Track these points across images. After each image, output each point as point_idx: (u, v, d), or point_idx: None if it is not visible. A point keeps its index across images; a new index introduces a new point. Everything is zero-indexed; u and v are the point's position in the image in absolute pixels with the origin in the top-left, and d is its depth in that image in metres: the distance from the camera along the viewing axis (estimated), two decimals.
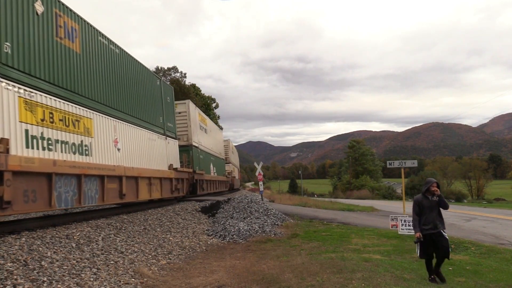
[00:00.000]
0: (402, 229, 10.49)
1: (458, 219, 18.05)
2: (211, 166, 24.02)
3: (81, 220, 9.30)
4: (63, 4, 8.55)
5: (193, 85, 52.47)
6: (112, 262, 6.73)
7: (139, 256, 7.52)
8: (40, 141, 7.35)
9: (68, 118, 8.43)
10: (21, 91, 6.99)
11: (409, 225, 10.43)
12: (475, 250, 8.78)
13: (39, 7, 7.67)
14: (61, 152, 7.99)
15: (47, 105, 7.70)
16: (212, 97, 57.40)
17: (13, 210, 6.59)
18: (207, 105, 51.74)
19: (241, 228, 11.26)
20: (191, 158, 18.33)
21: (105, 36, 10.53)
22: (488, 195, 63.53)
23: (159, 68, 51.80)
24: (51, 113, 7.79)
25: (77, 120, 8.74)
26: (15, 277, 5.01)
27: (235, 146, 49.95)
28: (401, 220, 10.60)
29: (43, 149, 7.44)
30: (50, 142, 7.66)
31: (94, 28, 9.90)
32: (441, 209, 5.96)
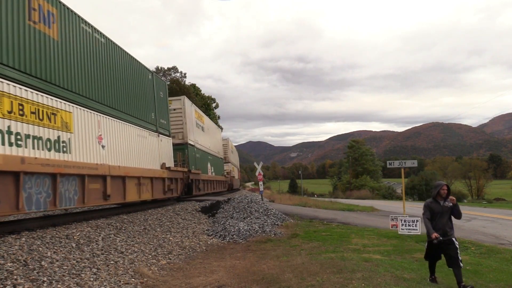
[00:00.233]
0: (402, 229, 10.48)
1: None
2: (209, 165, 23.38)
3: (81, 220, 9.30)
4: None
5: (193, 85, 52.49)
6: (112, 262, 6.73)
7: (139, 256, 7.52)
8: (6, 136, 6.60)
9: (43, 111, 7.60)
10: None
11: (409, 225, 10.42)
12: (475, 250, 8.79)
13: None
14: (33, 148, 7.21)
15: (16, 95, 6.92)
16: (212, 97, 57.44)
17: None
18: (207, 105, 51.75)
19: (241, 228, 11.26)
20: (186, 157, 17.58)
21: (89, 24, 9.81)
22: (488, 195, 63.53)
23: (159, 68, 51.82)
24: (21, 104, 7.01)
25: (53, 114, 7.92)
26: (15, 277, 5.01)
27: (235, 146, 49.95)
28: (401, 220, 10.59)
29: (10, 144, 6.66)
30: (19, 137, 6.89)
31: (75, 14, 9.15)
32: (452, 216, 5.72)
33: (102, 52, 10.42)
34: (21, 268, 5.34)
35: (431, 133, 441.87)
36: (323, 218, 15.19)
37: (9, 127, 6.71)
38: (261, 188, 22.22)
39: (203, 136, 22.36)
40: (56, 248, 6.52)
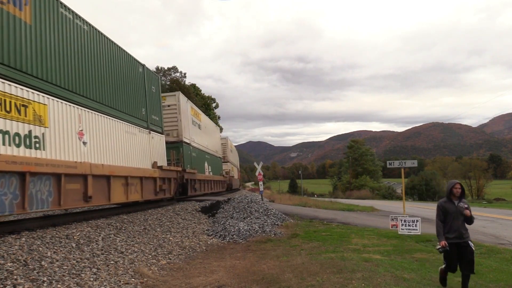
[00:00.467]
0: (402, 229, 10.49)
1: None
2: (206, 164, 22.54)
3: (81, 220, 9.30)
4: None
5: (193, 85, 52.55)
6: (112, 262, 6.73)
7: (139, 256, 7.52)
8: None
9: (10, 102, 6.84)
10: None
11: (409, 225, 10.43)
12: (475, 250, 8.78)
13: None
14: None
15: None
16: (212, 97, 57.50)
17: None
18: (207, 105, 51.78)
19: (241, 228, 11.26)
20: (181, 155, 16.71)
21: (70, 9, 9.04)
22: (488, 195, 63.53)
23: (159, 68, 51.86)
24: None
25: (24, 105, 7.16)
26: (15, 277, 5.01)
27: (235, 146, 49.90)
28: (401, 220, 10.60)
29: None
30: None
31: None
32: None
33: (85, 40, 9.62)
34: (21, 268, 5.34)
35: (431, 133, 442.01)
36: (323, 218, 15.19)
37: None
38: (261, 188, 22.22)
39: (200, 134, 21.58)
40: (56, 248, 6.52)
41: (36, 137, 7.36)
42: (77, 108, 8.97)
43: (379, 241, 9.81)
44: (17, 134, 6.96)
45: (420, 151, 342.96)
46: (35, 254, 5.95)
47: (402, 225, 10.51)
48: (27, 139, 7.19)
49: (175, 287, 5.99)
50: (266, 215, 13.38)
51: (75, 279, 5.53)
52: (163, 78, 50.60)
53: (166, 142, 15.52)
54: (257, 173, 22.23)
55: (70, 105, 8.68)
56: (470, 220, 5.40)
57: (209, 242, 10.12)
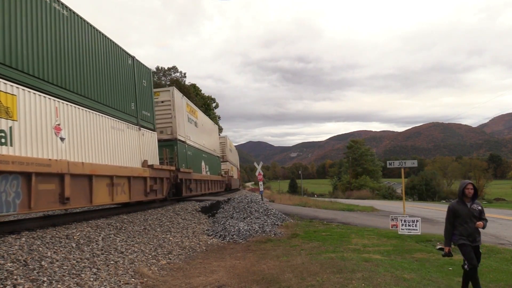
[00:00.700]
0: (402, 229, 10.49)
1: None
2: (203, 164, 21.68)
3: (81, 220, 9.29)
4: None
5: (193, 85, 52.57)
6: (112, 262, 6.73)
7: (139, 256, 7.52)
8: None
9: None
10: None
11: (409, 225, 10.43)
12: None
13: None
14: None
15: None
16: (212, 97, 57.53)
17: None
18: (207, 105, 51.81)
19: (241, 228, 11.26)
20: (175, 154, 15.92)
21: None
22: (488, 195, 63.59)
23: (159, 68, 51.91)
24: None
25: None
26: (15, 277, 5.01)
27: (235, 146, 49.88)
28: (401, 220, 10.60)
29: None
30: None
31: None
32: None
33: (65, 27, 8.80)
34: (21, 268, 5.34)
35: (431, 133, 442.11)
36: (323, 218, 15.19)
37: None
38: (261, 188, 22.22)
39: (197, 132, 20.68)
40: (56, 248, 6.52)
41: (1, 131, 6.63)
42: (54, 100, 8.11)
43: (379, 241, 9.82)
44: None
45: (420, 151, 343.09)
46: (35, 254, 5.95)
47: (402, 225, 10.51)
48: None
49: (175, 287, 5.99)
50: (266, 215, 13.39)
51: (75, 279, 5.53)
52: (163, 78, 50.62)
53: (160, 140, 14.98)
54: (257, 173, 22.23)
55: (45, 97, 7.80)
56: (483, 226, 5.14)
57: (209, 242, 10.13)
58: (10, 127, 6.82)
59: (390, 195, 63.76)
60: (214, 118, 49.18)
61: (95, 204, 9.36)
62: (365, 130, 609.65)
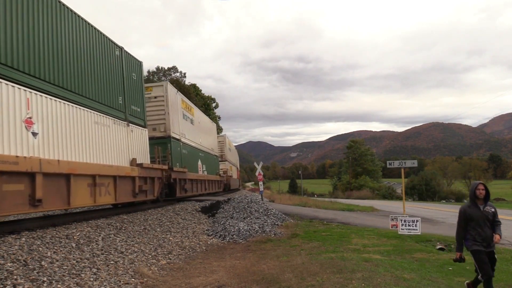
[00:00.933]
0: (402, 229, 10.49)
1: None
2: (199, 163, 20.80)
3: (81, 220, 9.29)
4: None
5: (193, 85, 52.60)
6: (112, 262, 6.73)
7: (139, 256, 7.52)
8: None
9: None
10: None
11: (409, 225, 10.44)
12: None
13: None
14: None
15: None
16: (212, 97, 57.56)
17: None
18: (207, 105, 51.84)
19: (241, 228, 11.27)
20: (168, 152, 15.17)
21: None
22: None
23: (159, 68, 51.95)
24: None
25: None
26: (15, 277, 5.01)
27: (235, 146, 49.85)
28: (401, 220, 10.60)
29: None
30: None
31: None
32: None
33: (42, 12, 7.95)
34: (21, 268, 5.34)
35: (431, 133, 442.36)
36: (323, 218, 15.20)
37: None
38: (261, 188, 22.24)
39: (193, 130, 19.77)
40: (56, 248, 6.52)
41: None
42: (24, 90, 7.22)
43: (379, 241, 9.82)
44: None
45: (420, 151, 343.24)
46: (35, 254, 5.95)
47: (402, 225, 10.51)
48: None
49: (175, 287, 6.00)
50: (266, 215, 13.39)
51: (75, 279, 5.53)
52: (163, 78, 50.62)
53: (152, 137, 14.31)
54: (257, 173, 22.25)
55: (13, 86, 6.92)
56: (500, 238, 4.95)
57: (209, 242, 10.13)
58: None
59: (390, 195, 63.78)
60: (214, 118, 49.19)
61: (73, 206, 8.45)
62: (365, 130, 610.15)
